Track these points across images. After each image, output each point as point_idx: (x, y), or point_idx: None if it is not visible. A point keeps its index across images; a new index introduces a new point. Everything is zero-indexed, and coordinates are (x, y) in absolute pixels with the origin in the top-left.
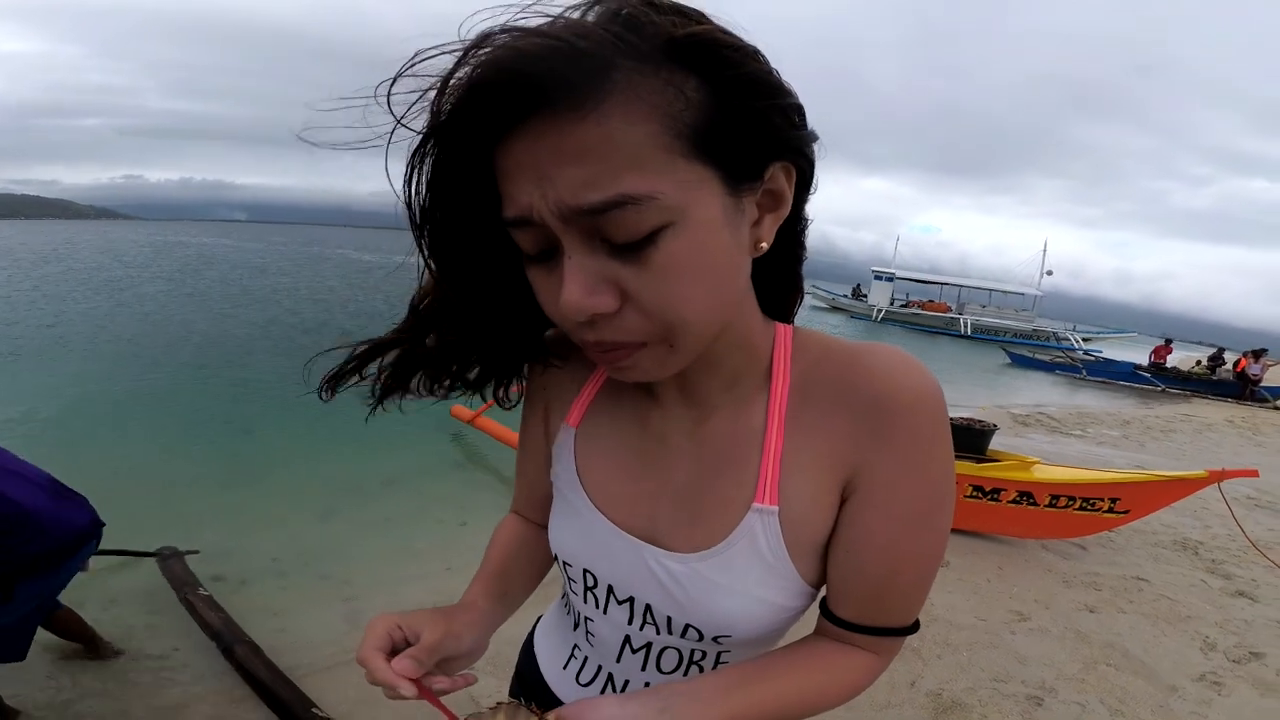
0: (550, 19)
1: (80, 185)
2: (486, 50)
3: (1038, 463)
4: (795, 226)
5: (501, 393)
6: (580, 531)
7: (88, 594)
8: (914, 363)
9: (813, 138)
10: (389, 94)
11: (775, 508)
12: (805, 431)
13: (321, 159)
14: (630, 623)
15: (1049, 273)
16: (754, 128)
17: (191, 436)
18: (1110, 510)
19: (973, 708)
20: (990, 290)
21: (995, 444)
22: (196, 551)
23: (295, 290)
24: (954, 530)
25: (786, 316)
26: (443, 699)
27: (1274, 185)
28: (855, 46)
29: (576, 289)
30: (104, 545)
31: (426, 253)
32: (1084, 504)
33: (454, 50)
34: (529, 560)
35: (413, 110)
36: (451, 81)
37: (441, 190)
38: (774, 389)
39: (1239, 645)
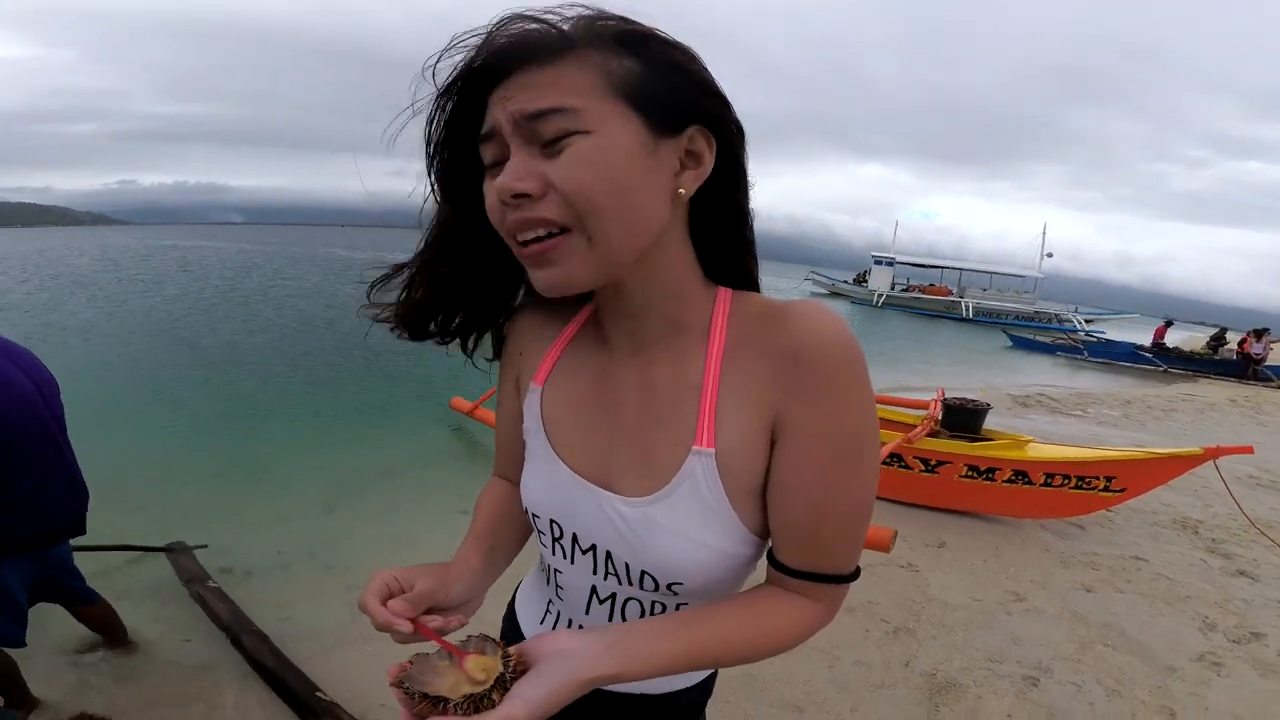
0: (552, 12)
1: (75, 191)
2: (512, 26)
3: (1032, 441)
4: (734, 195)
5: (471, 344)
6: (546, 481)
7: (102, 588)
8: (832, 316)
9: (734, 119)
10: (435, 62)
11: (712, 450)
12: (737, 380)
13: (315, 160)
14: (595, 572)
15: (1049, 255)
16: (671, 94)
17: (197, 435)
18: (1106, 489)
19: (968, 688)
20: (991, 273)
21: (994, 424)
22: (205, 546)
23: (290, 289)
24: (950, 510)
25: (745, 284)
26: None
27: (1268, 167)
28: (851, 37)
29: (509, 175)
30: (115, 541)
31: (434, 179)
32: (1079, 482)
33: (482, 31)
34: (513, 518)
35: (441, 67)
36: (483, 44)
37: (453, 123)
38: (711, 342)
39: (1239, 625)
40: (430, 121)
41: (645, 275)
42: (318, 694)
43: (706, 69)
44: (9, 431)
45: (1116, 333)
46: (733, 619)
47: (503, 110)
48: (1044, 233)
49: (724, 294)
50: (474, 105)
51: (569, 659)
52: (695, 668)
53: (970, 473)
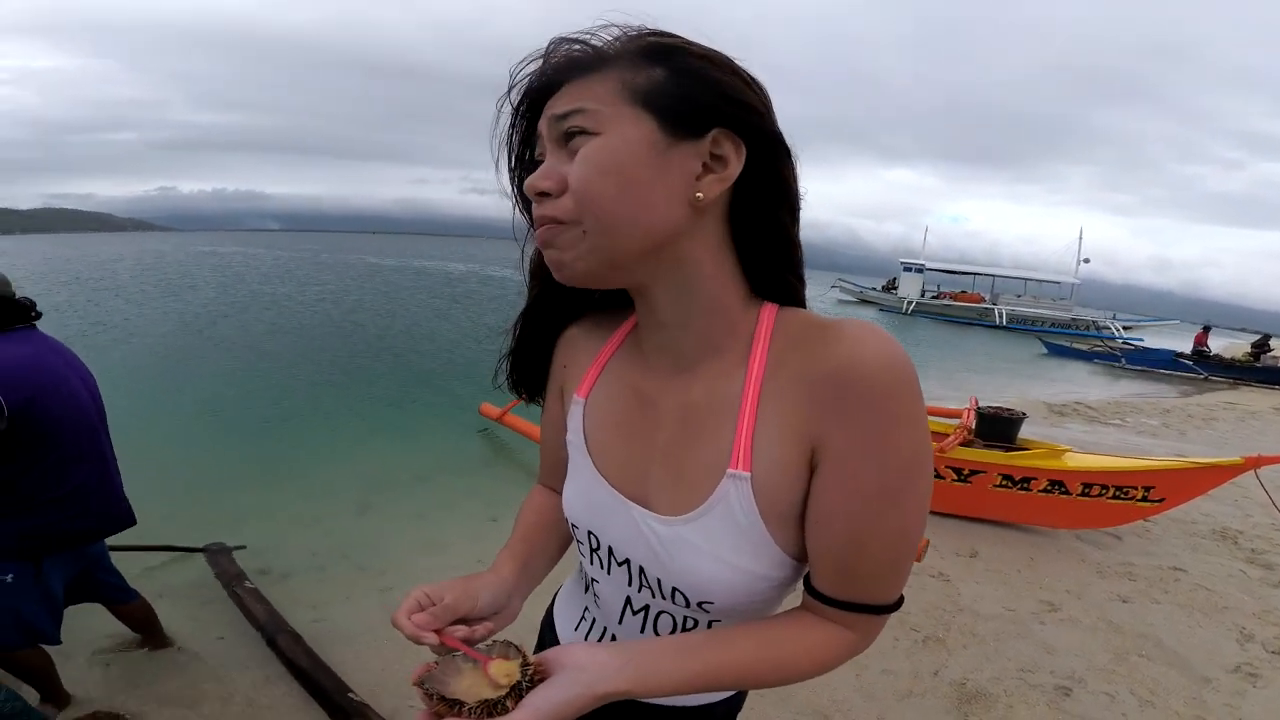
0: (596, 32)
1: (116, 198)
2: (560, 50)
3: (1069, 450)
4: (774, 210)
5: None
6: (584, 494)
7: (142, 587)
8: (881, 335)
9: (770, 125)
10: (510, 83)
11: (748, 474)
12: (777, 401)
13: (346, 167)
14: (630, 584)
15: (1086, 260)
16: (689, 98)
17: (236, 439)
18: (1144, 499)
19: (998, 698)
20: (1025, 279)
21: (1030, 434)
22: (243, 546)
23: (325, 297)
24: (983, 520)
25: (790, 299)
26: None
27: None
28: (870, 39)
29: (537, 175)
30: (157, 541)
31: (516, 193)
32: (1117, 492)
33: (538, 56)
34: (553, 526)
35: (515, 90)
36: (542, 66)
37: (525, 138)
38: (753, 360)
39: (1278, 637)
40: (506, 144)
41: (672, 285)
42: (350, 695)
43: (739, 76)
44: (60, 429)
45: (1155, 339)
46: (757, 644)
47: (545, 117)
48: (1080, 237)
49: (768, 311)
50: (535, 121)
51: (584, 673)
52: (711, 689)
53: (1005, 482)
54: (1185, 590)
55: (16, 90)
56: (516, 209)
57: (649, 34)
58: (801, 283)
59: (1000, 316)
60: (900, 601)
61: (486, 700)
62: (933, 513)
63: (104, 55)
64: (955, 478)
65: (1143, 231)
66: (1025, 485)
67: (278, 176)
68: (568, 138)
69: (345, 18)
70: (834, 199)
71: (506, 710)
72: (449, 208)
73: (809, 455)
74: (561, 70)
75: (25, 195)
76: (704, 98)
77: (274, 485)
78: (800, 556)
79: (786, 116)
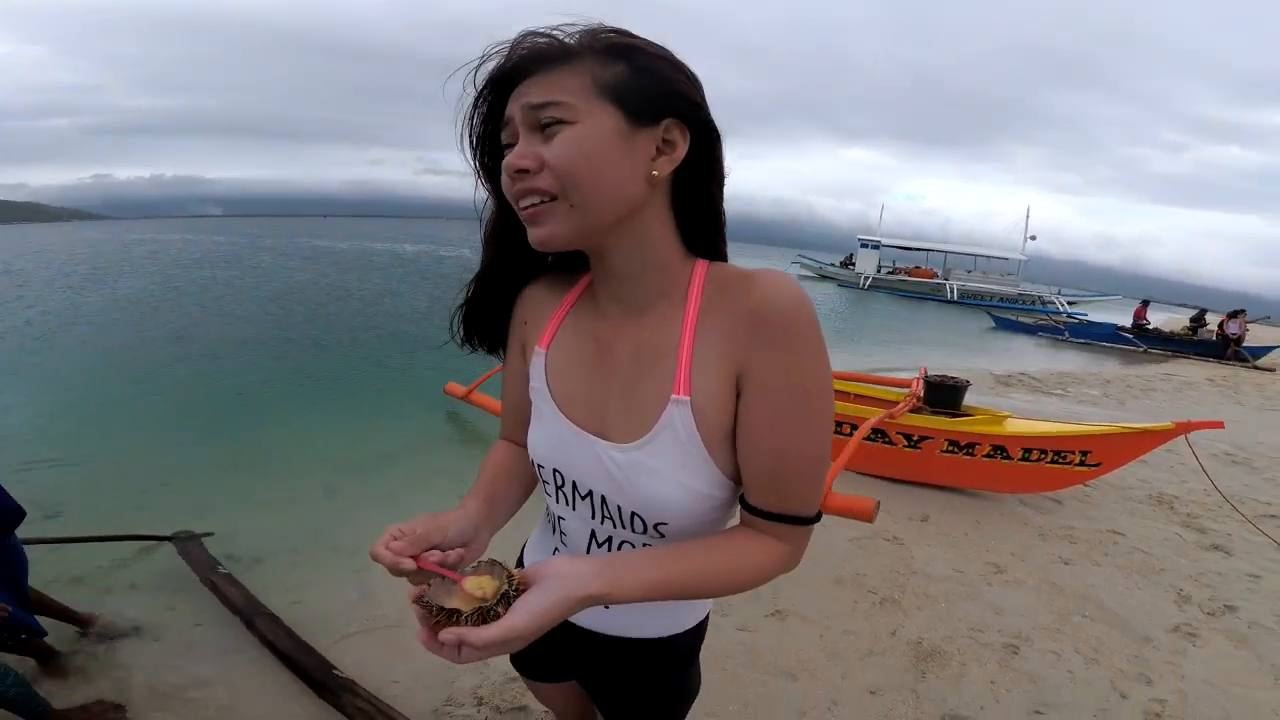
0: (560, 27)
1: (49, 186)
2: (527, 40)
3: (1010, 416)
4: (708, 185)
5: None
6: (549, 434)
7: (114, 578)
8: (788, 281)
9: (706, 113)
10: (477, 66)
11: (687, 398)
12: (708, 338)
13: (292, 149)
14: (593, 517)
15: (1033, 238)
16: (648, 93)
17: (196, 426)
18: (1082, 463)
19: (951, 655)
20: (975, 256)
21: (978, 403)
22: (211, 534)
23: (275, 284)
24: (932, 486)
25: (717, 256)
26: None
27: (1246, 152)
28: (832, 18)
29: (515, 155)
30: (122, 531)
31: (478, 166)
32: (1055, 457)
33: (506, 45)
34: (515, 474)
35: (481, 73)
36: (508, 54)
37: (487, 119)
38: (688, 305)
39: (1213, 598)
40: (469, 119)
41: (629, 246)
42: (334, 672)
43: (686, 73)
44: None
45: (1099, 314)
46: (707, 554)
47: (515, 103)
48: (1027, 215)
49: (701, 265)
50: (499, 105)
51: (565, 580)
52: (673, 595)
53: (951, 448)
54: (1124, 553)
55: None
56: (480, 181)
57: (610, 31)
58: (724, 242)
59: (951, 292)
60: (819, 516)
61: (480, 608)
62: (887, 479)
63: (34, 40)
64: (906, 444)
65: (1089, 210)
66: (970, 451)
67: (221, 160)
68: (543, 125)
69: None
70: (796, 177)
71: (498, 616)
72: (404, 189)
73: (735, 381)
74: (529, 60)
75: None
76: (660, 93)
77: (237, 472)
78: (735, 478)
79: (751, 94)
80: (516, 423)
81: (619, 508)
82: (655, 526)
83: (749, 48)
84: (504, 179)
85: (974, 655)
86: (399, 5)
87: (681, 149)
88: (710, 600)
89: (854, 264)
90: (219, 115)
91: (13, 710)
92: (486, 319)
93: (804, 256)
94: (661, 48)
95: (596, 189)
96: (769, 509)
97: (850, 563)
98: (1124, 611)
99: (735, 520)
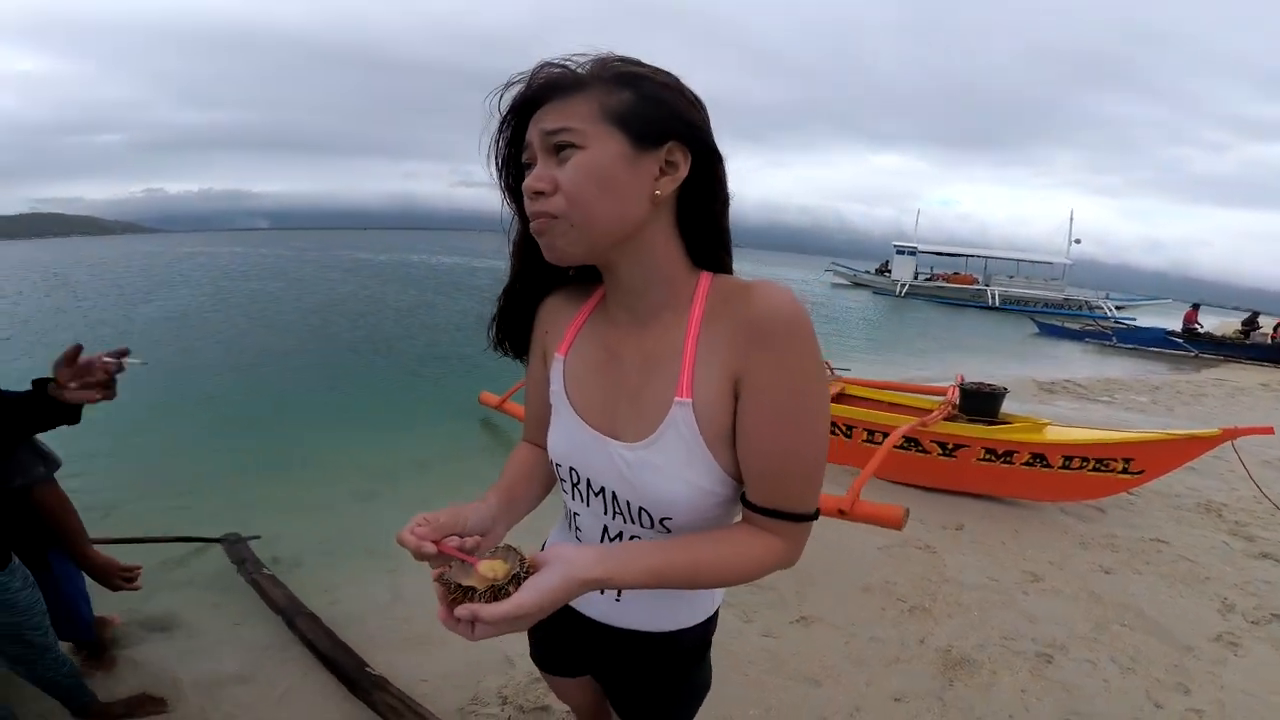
0: (574, 57)
1: (103, 200)
2: (542, 71)
3: (1050, 424)
4: (710, 201)
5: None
6: (566, 434)
7: (165, 579)
8: (785, 293)
9: (708, 139)
10: (502, 94)
11: (690, 400)
12: (710, 344)
13: (333, 163)
14: (605, 513)
15: (1077, 241)
16: (651, 119)
17: (242, 432)
18: (1125, 471)
19: (981, 664)
20: (1018, 260)
21: (1022, 411)
22: (258, 536)
23: (318, 296)
24: (970, 495)
25: (721, 269)
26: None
27: None
28: (857, 22)
29: (533, 177)
30: (176, 534)
31: (504, 187)
32: (1097, 465)
33: (524, 75)
34: (535, 475)
35: (504, 100)
36: (527, 83)
37: (512, 142)
38: (693, 315)
39: (1259, 607)
40: (495, 142)
41: (635, 261)
42: (366, 669)
43: (689, 98)
44: None
45: (1148, 319)
46: (706, 546)
47: (534, 128)
48: (1071, 219)
49: (705, 277)
50: (521, 129)
51: (570, 564)
52: (674, 584)
53: (988, 456)
54: (1167, 561)
55: None
56: (505, 200)
57: (617, 61)
58: (729, 255)
59: (993, 297)
60: (817, 514)
61: (493, 586)
62: (920, 487)
63: (84, 56)
64: (940, 452)
65: (1132, 213)
66: (1008, 459)
67: (266, 174)
68: (557, 149)
69: (331, 12)
70: (823, 184)
71: (509, 594)
72: (439, 201)
73: (734, 384)
74: (545, 89)
75: (9, 200)
76: (663, 118)
77: (279, 478)
78: (737, 476)
79: (778, 101)
80: (538, 426)
81: (628, 503)
82: (661, 521)
83: (776, 55)
84: (525, 201)
85: (1005, 664)
86: (432, 20)
87: (683, 169)
88: (719, 597)
89: (889, 271)
90: (262, 129)
91: (61, 698)
92: (514, 327)
93: (837, 264)
94: (667, 75)
95: (601, 207)
96: (767, 506)
97: (879, 570)
98: (1165, 620)
99: (739, 518)
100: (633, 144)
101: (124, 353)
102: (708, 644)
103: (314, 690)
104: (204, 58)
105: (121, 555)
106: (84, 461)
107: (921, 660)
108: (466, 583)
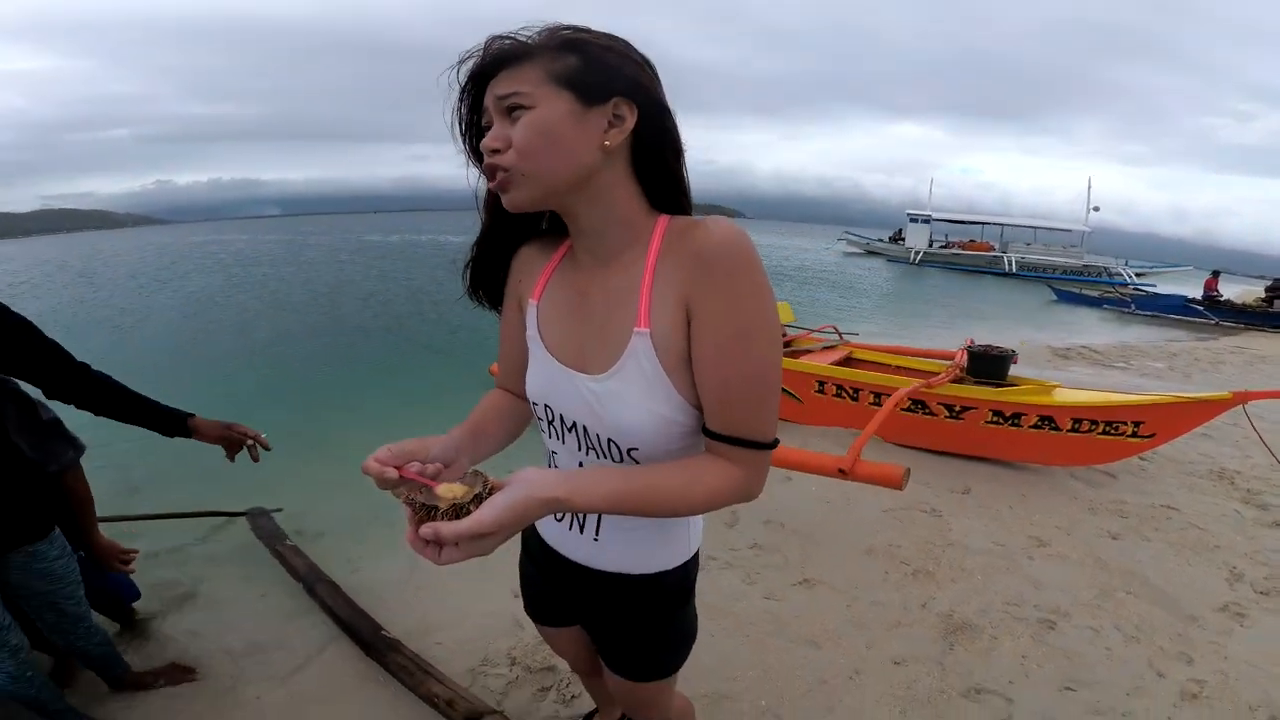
0: (523, 29)
1: (114, 194)
2: (494, 43)
3: (1059, 386)
4: (661, 149)
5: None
6: (541, 373)
7: (193, 552)
8: (728, 225)
9: (654, 94)
10: (458, 68)
11: (647, 330)
12: (665, 278)
13: (342, 148)
14: (579, 449)
15: (1096, 209)
16: (595, 78)
17: (262, 409)
18: (1135, 434)
19: (983, 629)
20: (1035, 228)
21: (1034, 375)
22: (280, 509)
23: (329, 278)
24: (978, 459)
25: (679, 211)
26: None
27: None
28: None
29: (489, 137)
30: (203, 508)
31: (469, 150)
32: (1106, 428)
33: (479, 49)
34: (504, 416)
35: (460, 74)
36: (482, 56)
37: (472, 109)
38: (650, 253)
39: (1269, 577)
40: (458, 110)
41: (593, 206)
42: (382, 633)
43: (634, 58)
44: None
45: (1168, 286)
46: (665, 472)
47: (489, 96)
48: (1089, 186)
49: (663, 219)
50: (479, 97)
51: (531, 482)
52: (634, 508)
53: (995, 418)
54: (1176, 529)
55: (1, 93)
56: (469, 161)
57: (565, 29)
58: (687, 199)
59: (1010, 264)
60: (775, 443)
61: (455, 504)
62: (927, 450)
63: (88, 53)
64: (947, 414)
65: (1159, 182)
66: (1015, 421)
67: (274, 162)
68: (509, 110)
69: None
70: (841, 155)
71: (469, 512)
72: (447, 182)
73: (686, 313)
74: (496, 60)
75: (22, 198)
76: (607, 77)
77: (301, 454)
78: (698, 405)
79: (792, 74)
80: (510, 371)
81: (598, 436)
82: (629, 452)
83: (788, 29)
84: (485, 159)
85: (1007, 629)
86: (435, 4)
87: (630, 121)
88: (696, 539)
89: (903, 239)
90: (269, 118)
91: (95, 669)
92: (488, 276)
93: (850, 233)
94: (611, 38)
95: (550, 158)
96: (722, 432)
97: (883, 534)
98: (1171, 589)
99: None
100: (579, 100)
101: (263, 441)
102: (690, 589)
103: (333, 654)
104: (208, 50)
105: (150, 531)
106: (113, 443)
107: (923, 624)
108: (430, 502)
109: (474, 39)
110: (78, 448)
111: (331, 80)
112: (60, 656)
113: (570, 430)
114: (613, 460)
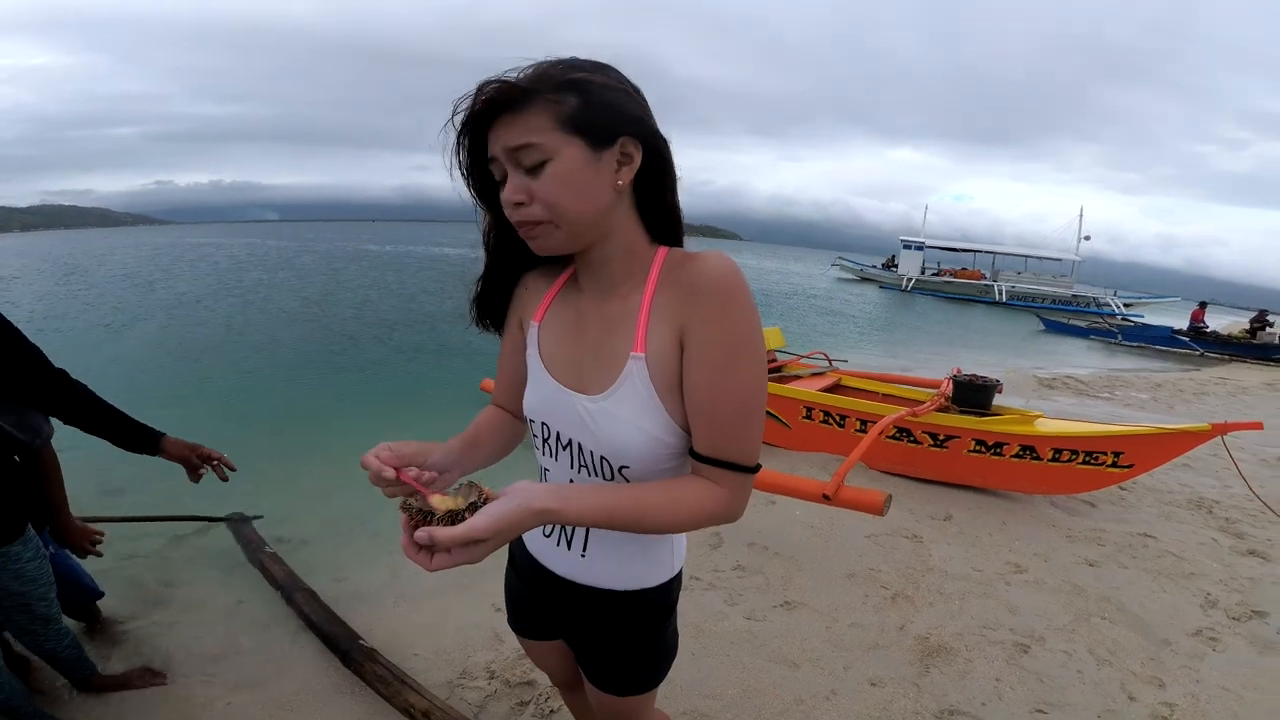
0: (515, 69)
1: (115, 193)
2: (487, 88)
3: (1040, 416)
4: (660, 178)
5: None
6: (539, 392)
7: (170, 556)
8: (723, 259)
9: (653, 127)
10: (453, 114)
11: (643, 354)
12: (661, 307)
13: (344, 155)
14: (572, 466)
15: (1087, 238)
16: (602, 119)
17: (247, 415)
18: (1114, 464)
19: (958, 652)
20: (1026, 257)
21: (1019, 405)
22: (261, 516)
23: (321, 285)
24: (960, 486)
25: (676, 243)
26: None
27: None
28: (871, 16)
29: (509, 191)
30: (182, 513)
31: (474, 192)
32: (1087, 458)
33: (471, 94)
34: (498, 432)
35: (457, 119)
36: (473, 102)
37: (472, 152)
38: (649, 282)
39: (1242, 603)
40: (456, 155)
41: (605, 242)
42: (360, 642)
43: (628, 91)
44: None
45: (1156, 316)
46: (652, 490)
47: (496, 144)
48: (1080, 215)
49: (661, 250)
50: (480, 138)
51: (524, 493)
52: (621, 523)
53: (978, 447)
54: (1153, 556)
55: (11, 88)
56: (476, 204)
57: (557, 67)
58: (681, 228)
59: (1000, 293)
60: (758, 467)
61: (451, 512)
62: (910, 478)
63: (98, 50)
64: (932, 443)
65: (1150, 210)
66: (998, 450)
67: (276, 167)
68: (525, 162)
69: (342, 5)
70: (836, 178)
71: (464, 519)
72: (449, 194)
73: (679, 340)
74: (494, 106)
75: (22, 193)
76: (612, 117)
77: (285, 461)
78: (687, 428)
79: (791, 95)
80: (506, 389)
81: (591, 453)
82: (620, 470)
83: (788, 47)
84: (505, 209)
85: (982, 653)
86: (441, 13)
87: (637, 159)
88: (680, 558)
89: (896, 266)
90: (274, 122)
91: (62, 670)
92: (492, 306)
93: (843, 259)
94: (606, 72)
95: (578, 209)
96: (708, 454)
97: (865, 558)
98: (1145, 614)
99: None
100: (590, 146)
101: (228, 462)
102: (672, 606)
103: (309, 663)
104: (216, 52)
105: (129, 533)
106: (93, 444)
107: (900, 646)
108: (426, 509)
109: (481, 48)
110: (49, 422)
111: (338, 86)
112: (16, 657)
113: (565, 448)
114: (604, 478)
